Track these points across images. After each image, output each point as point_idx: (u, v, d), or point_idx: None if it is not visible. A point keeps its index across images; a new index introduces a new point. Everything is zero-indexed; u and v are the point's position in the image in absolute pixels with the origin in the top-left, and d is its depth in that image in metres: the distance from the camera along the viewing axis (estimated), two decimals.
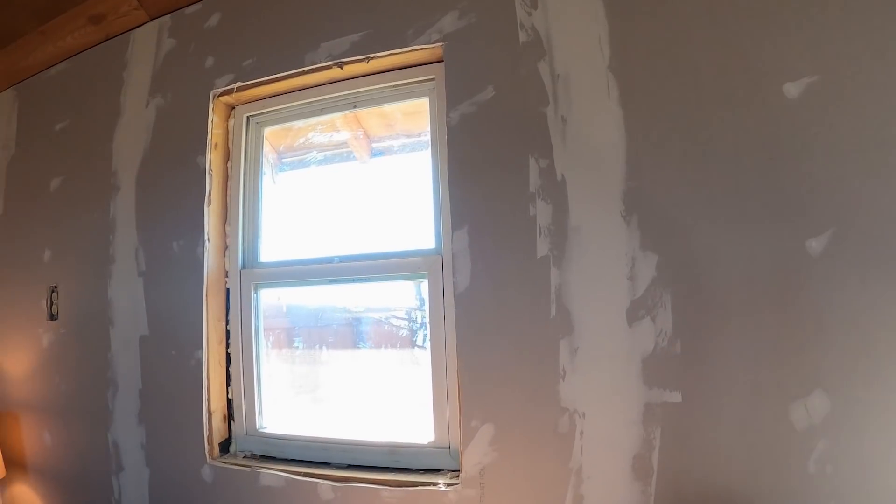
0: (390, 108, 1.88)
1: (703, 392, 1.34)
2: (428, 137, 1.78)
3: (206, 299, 1.89)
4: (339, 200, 1.98)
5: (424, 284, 1.72)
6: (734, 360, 1.32)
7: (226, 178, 1.98)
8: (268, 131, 2.01)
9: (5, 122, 2.42)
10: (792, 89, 1.31)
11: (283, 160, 2.03)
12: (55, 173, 2.24)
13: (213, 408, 1.90)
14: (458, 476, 1.58)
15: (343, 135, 2.00)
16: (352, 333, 1.89)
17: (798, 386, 1.27)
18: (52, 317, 2.16)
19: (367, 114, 1.96)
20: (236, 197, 1.95)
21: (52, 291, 2.17)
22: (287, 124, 1.99)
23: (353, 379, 1.87)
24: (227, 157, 1.99)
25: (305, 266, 1.88)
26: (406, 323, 1.87)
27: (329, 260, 1.85)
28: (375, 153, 2.05)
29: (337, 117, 1.97)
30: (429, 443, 1.69)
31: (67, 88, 2.28)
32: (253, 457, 1.90)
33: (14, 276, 2.31)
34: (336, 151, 2.03)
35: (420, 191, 1.79)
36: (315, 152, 2.01)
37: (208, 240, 1.90)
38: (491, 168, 1.56)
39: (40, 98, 2.36)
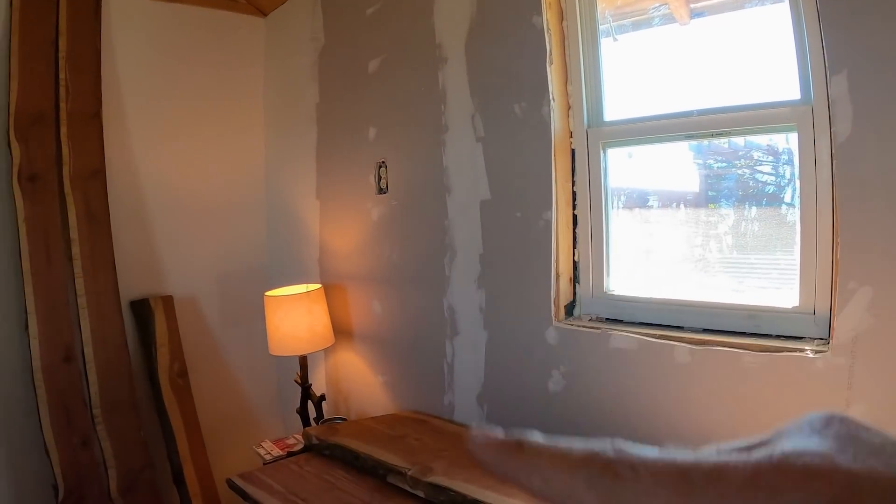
0: None
1: None
2: None
3: (554, 159, 1.86)
4: (679, 59, 1.83)
5: (792, 137, 1.55)
6: None
7: (563, 37, 1.92)
8: None
9: (310, 16, 2.55)
10: None
11: (619, 19, 1.92)
12: (372, 55, 2.32)
13: (560, 269, 1.90)
14: (825, 343, 1.43)
15: None
16: (709, 191, 1.77)
17: None
18: (381, 191, 2.28)
19: None
20: (576, 55, 1.89)
21: (381, 167, 2.27)
22: None
23: (708, 239, 1.76)
24: (562, 16, 1.92)
25: (659, 121, 1.78)
26: (773, 178, 1.71)
27: (687, 114, 1.72)
28: (695, 14, 1.87)
29: None
30: (792, 308, 1.54)
31: None
32: (598, 319, 1.88)
33: (337, 158, 2.47)
34: (663, 13, 1.87)
35: (762, 44, 1.61)
36: (652, 8, 1.87)
37: (553, 99, 1.86)
38: (868, 7, 1.32)
39: None
